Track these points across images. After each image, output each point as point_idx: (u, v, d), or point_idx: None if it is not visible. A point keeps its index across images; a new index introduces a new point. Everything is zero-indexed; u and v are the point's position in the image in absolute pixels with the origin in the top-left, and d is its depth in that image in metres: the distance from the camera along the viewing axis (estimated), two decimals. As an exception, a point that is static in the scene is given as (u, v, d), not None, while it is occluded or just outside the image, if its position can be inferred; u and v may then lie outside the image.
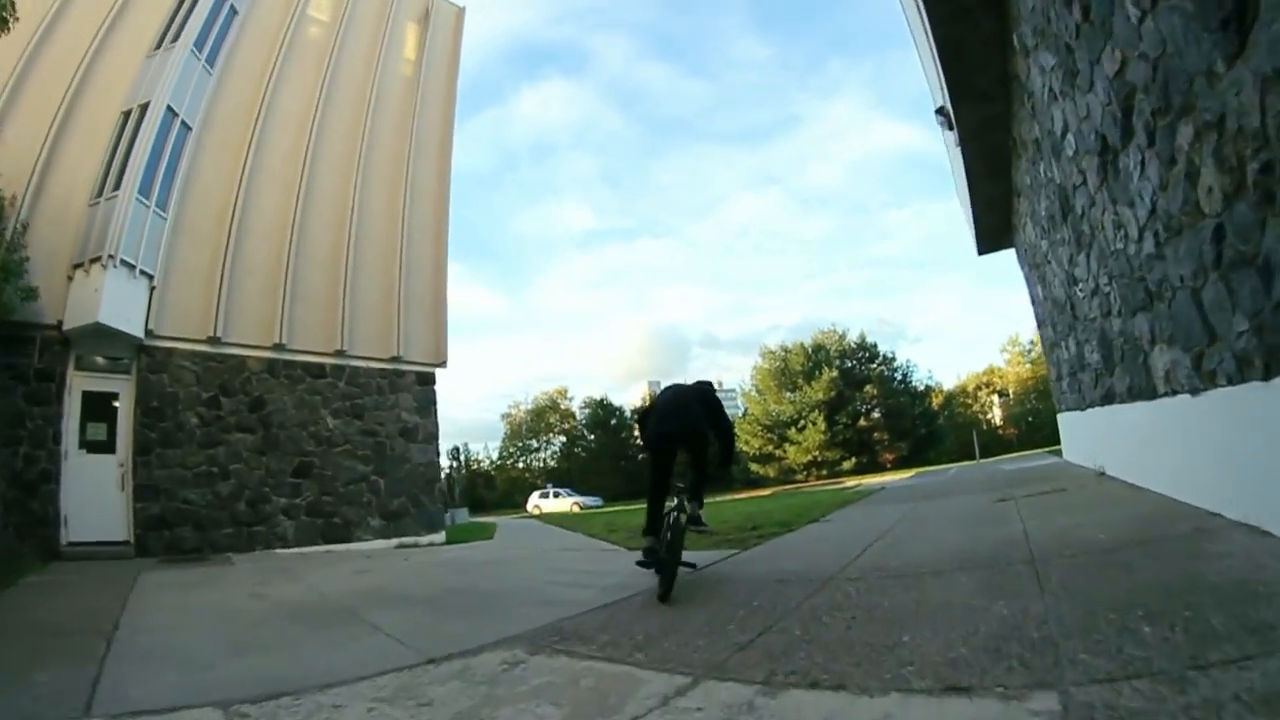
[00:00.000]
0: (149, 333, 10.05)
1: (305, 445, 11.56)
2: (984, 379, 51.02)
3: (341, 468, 11.92)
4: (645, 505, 4.61)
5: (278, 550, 10.48)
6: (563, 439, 56.81)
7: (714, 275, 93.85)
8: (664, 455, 4.64)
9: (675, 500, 4.56)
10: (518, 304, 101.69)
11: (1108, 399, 7.46)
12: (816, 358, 42.77)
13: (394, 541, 11.87)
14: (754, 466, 43.99)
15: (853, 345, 43.66)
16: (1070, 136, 6.02)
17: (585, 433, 55.53)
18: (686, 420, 4.68)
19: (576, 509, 32.67)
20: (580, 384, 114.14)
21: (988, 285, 75.39)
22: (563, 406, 59.60)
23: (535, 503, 36.45)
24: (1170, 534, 3.52)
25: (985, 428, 44.24)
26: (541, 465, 55.16)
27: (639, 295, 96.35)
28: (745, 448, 44.76)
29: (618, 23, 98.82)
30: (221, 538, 10.07)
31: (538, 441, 57.64)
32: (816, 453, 40.12)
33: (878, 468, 40.10)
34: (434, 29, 16.26)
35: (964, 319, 75.84)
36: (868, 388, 40.42)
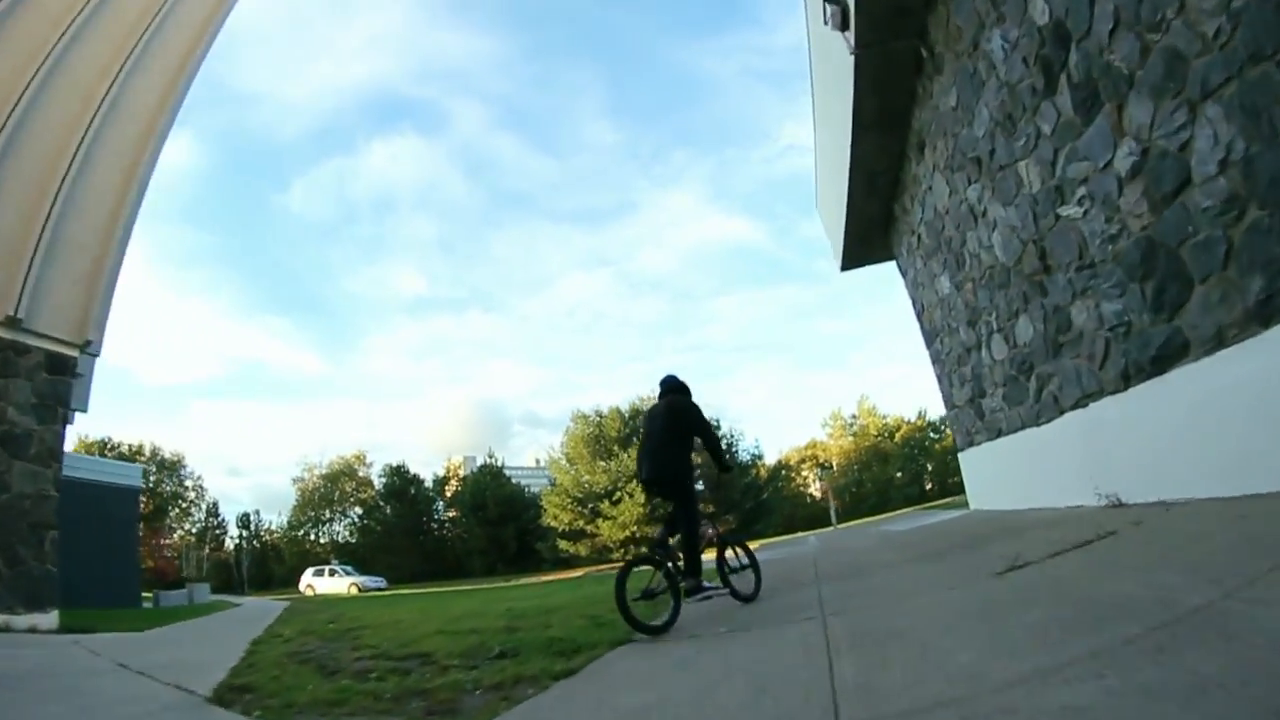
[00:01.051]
0: None
1: None
2: (807, 452, 51.41)
3: None
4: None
5: None
6: (359, 510, 49.77)
7: (540, 353, 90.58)
8: (654, 494, 4.90)
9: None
10: (340, 367, 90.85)
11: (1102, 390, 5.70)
12: (634, 424, 39.57)
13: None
14: (563, 544, 38.77)
15: (673, 410, 41.30)
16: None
17: (380, 503, 48.51)
18: (658, 462, 4.65)
19: (355, 591, 29.09)
20: (392, 453, 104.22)
21: (806, 368, 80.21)
22: (360, 474, 51.96)
23: (309, 581, 31.53)
24: None
25: (809, 501, 44.12)
26: (333, 539, 49.83)
27: (463, 368, 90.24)
28: (553, 523, 39.55)
29: (479, 90, 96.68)
30: None
31: (330, 512, 50.27)
32: (634, 528, 36.13)
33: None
34: None
35: (782, 398, 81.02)
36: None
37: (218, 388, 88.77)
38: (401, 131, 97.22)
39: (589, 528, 37.83)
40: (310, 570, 33.44)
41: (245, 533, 49.04)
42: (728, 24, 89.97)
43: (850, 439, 50.21)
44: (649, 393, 39.89)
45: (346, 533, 50.14)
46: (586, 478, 39.07)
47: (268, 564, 47.81)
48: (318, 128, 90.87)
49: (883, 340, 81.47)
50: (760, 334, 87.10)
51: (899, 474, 49.09)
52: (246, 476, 77.85)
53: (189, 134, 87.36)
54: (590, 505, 37.98)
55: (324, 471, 51.64)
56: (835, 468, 47.66)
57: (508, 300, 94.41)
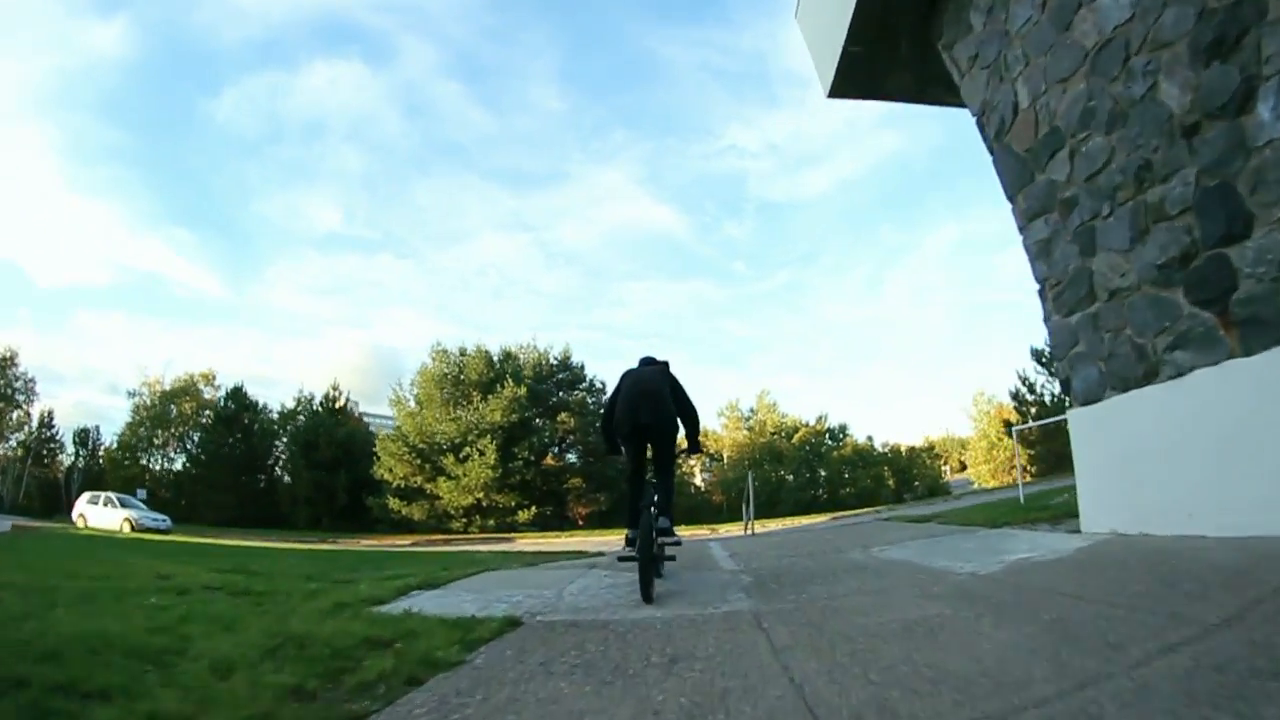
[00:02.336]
0: None
1: None
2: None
3: None
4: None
5: None
6: (199, 435, 42.11)
7: (445, 308, 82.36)
8: (638, 445, 4.73)
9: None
10: (241, 294, 79.85)
11: None
12: (502, 369, 32.57)
13: None
14: (394, 503, 31.20)
15: (552, 362, 34.36)
16: None
17: (209, 431, 40.44)
18: (659, 408, 4.62)
19: (127, 528, 24.08)
20: (282, 390, 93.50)
21: (706, 363, 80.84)
22: (206, 395, 43.09)
23: (82, 510, 26.87)
24: None
25: (692, 491, 39.38)
26: (162, 467, 42.75)
27: (365, 312, 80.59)
28: (387, 475, 31.95)
29: (436, 31, 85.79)
30: None
31: (164, 434, 42.47)
32: (481, 494, 29.23)
33: (565, 523, 30.78)
34: None
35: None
36: (563, 417, 30.99)
37: (107, 298, 78.61)
38: (347, 56, 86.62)
39: (428, 486, 30.53)
40: (85, 496, 27.64)
41: (83, 451, 43.09)
42: (698, 16, 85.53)
43: (745, 433, 45.94)
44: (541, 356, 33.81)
45: (181, 460, 42.75)
46: (433, 426, 31.72)
47: (102, 487, 39.06)
48: (263, 38, 79.64)
49: (788, 348, 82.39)
50: (666, 324, 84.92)
51: (790, 476, 45.69)
52: (125, 396, 66.35)
53: (124, 21, 75.68)
54: (433, 460, 30.68)
55: (165, 388, 43.28)
56: (726, 461, 43.02)
57: (421, 249, 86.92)
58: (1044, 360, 32.19)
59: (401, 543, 24.62)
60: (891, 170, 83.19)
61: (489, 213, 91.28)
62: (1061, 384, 6.21)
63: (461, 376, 32.88)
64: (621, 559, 4.49)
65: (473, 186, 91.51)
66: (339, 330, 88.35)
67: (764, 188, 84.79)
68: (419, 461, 31.00)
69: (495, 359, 33.48)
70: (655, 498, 4.45)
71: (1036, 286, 6.43)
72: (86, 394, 71.98)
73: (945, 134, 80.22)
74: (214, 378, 43.74)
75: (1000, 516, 7.88)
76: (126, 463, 41.03)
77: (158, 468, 42.82)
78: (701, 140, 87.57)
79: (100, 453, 43.49)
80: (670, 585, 4.62)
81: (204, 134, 79.95)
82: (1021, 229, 6.61)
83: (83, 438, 43.19)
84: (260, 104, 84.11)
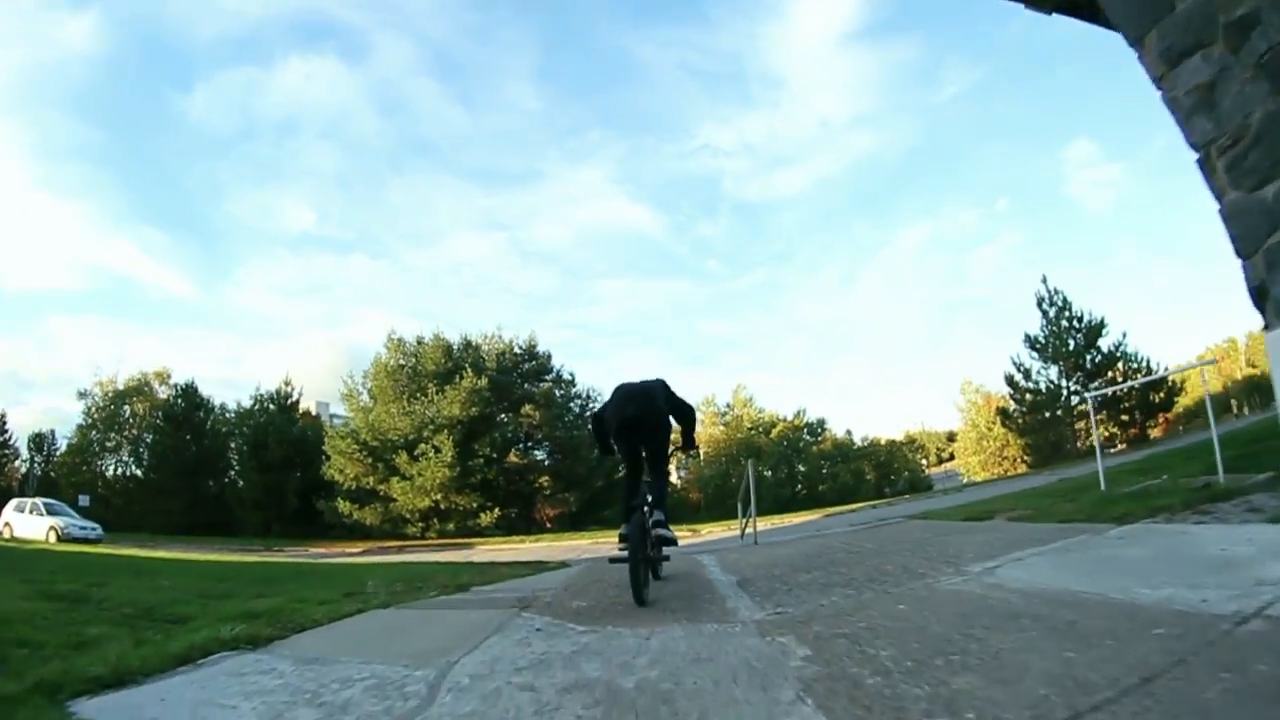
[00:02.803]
0: None
1: None
2: (674, 437, 44.11)
3: None
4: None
5: None
6: (151, 437, 38.18)
7: (418, 307, 79.70)
8: (631, 443, 4.69)
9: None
10: (211, 295, 77.08)
11: None
12: (461, 358, 29.89)
13: None
14: (343, 506, 28.32)
15: (517, 351, 31.68)
16: None
17: (158, 432, 36.91)
18: (647, 404, 4.63)
19: (54, 537, 22.16)
20: (250, 392, 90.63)
21: (677, 363, 79.41)
22: (163, 395, 39.17)
23: (8, 518, 24.59)
24: None
25: (669, 490, 36.93)
26: (115, 472, 39.02)
27: (336, 311, 78.08)
28: (338, 476, 29.08)
29: (413, 28, 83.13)
30: None
31: (118, 437, 38.71)
32: (439, 495, 26.52)
33: (533, 526, 28.23)
34: None
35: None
36: (528, 409, 28.34)
37: (78, 301, 74.51)
38: (322, 53, 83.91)
39: (381, 488, 27.70)
40: (12, 504, 25.06)
41: (38, 456, 39.55)
42: (675, 15, 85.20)
43: (721, 429, 44.21)
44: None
45: (132, 465, 39.21)
46: (387, 421, 28.91)
47: (57, 494, 36.51)
48: (238, 33, 76.86)
49: (763, 345, 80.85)
50: (640, 322, 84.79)
51: (769, 472, 44.52)
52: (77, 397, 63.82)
53: (96, 15, 71.83)
54: (386, 459, 27.89)
55: (119, 388, 39.54)
56: (702, 457, 41.12)
57: (394, 248, 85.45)
58: (1038, 346, 30.57)
59: (352, 550, 22.02)
60: (866, 169, 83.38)
61: (463, 212, 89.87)
62: (1252, 294, 4.02)
63: (418, 368, 30.13)
64: (613, 560, 4.32)
65: (447, 185, 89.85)
66: (312, 331, 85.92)
67: (739, 187, 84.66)
68: (371, 460, 28.17)
69: (455, 348, 30.78)
70: (649, 496, 4.51)
71: (1194, 156, 4.21)
72: (57, 400, 68.67)
73: (919, 134, 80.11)
74: (169, 376, 39.89)
75: (1095, 509, 5.75)
76: (82, 468, 37.65)
77: (112, 473, 39.29)
78: (677, 139, 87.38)
79: (56, 458, 40.03)
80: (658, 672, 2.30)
81: (176, 131, 77.29)
82: (1159, 80, 4.34)
83: (38, 443, 39.57)
84: (234, 101, 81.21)
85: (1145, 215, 72.67)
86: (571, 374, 31.96)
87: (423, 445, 26.55)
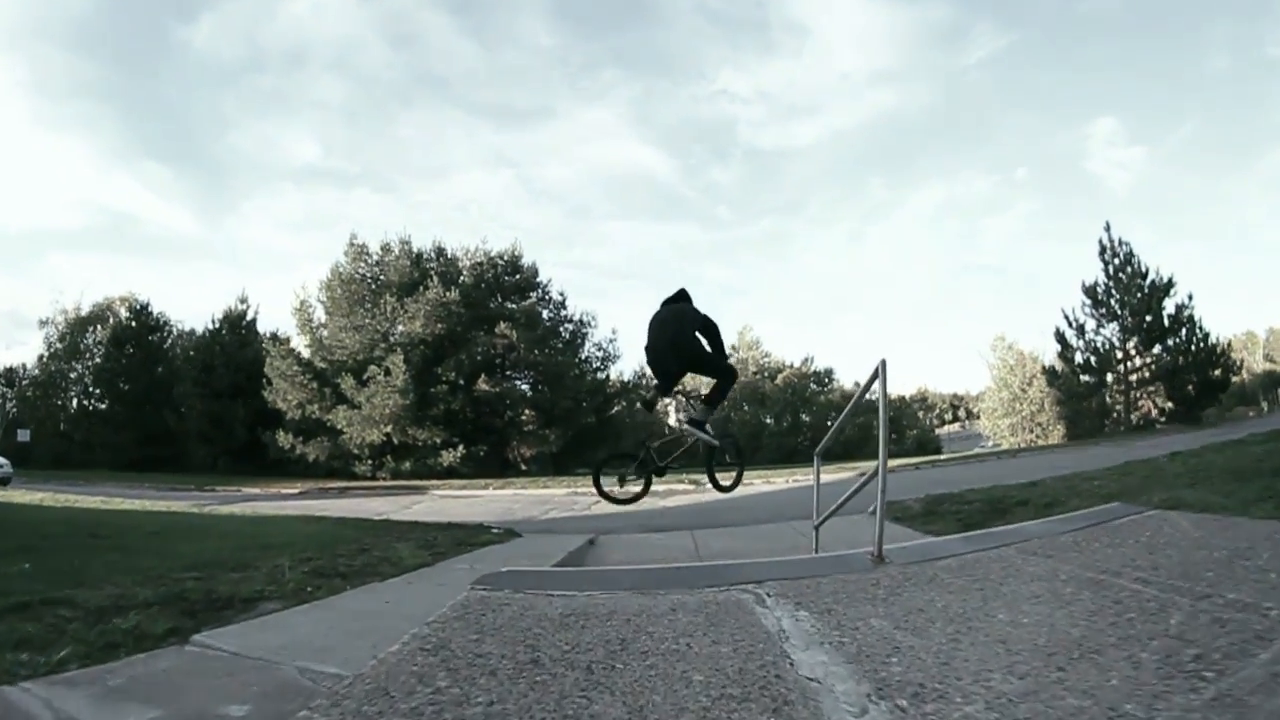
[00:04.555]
0: None
1: None
2: None
3: None
4: None
5: None
6: (97, 364, 34.78)
7: (422, 243, 73.66)
8: (666, 370, 5.23)
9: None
10: (215, 229, 72.88)
11: None
12: (429, 266, 25.21)
13: None
14: (285, 438, 24.18)
15: (500, 261, 26.83)
16: None
17: (107, 359, 32.86)
18: (671, 357, 5.08)
19: None
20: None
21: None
22: (127, 321, 34.36)
23: None
24: None
25: (666, 434, 33.67)
26: (79, 405, 35.63)
27: (341, 247, 72.13)
28: (281, 404, 24.82)
29: None
30: None
31: (80, 367, 35.11)
32: (390, 428, 22.28)
33: (506, 467, 24.28)
34: None
35: None
36: (503, 328, 23.73)
37: (79, 239, 70.75)
38: None
39: (327, 418, 23.44)
40: None
41: (10, 392, 36.97)
42: None
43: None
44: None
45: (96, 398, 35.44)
46: (338, 338, 24.40)
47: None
48: None
49: (767, 294, 78.97)
50: (646, 265, 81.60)
51: (771, 420, 41.83)
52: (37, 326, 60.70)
53: None
54: (332, 383, 23.53)
55: (81, 314, 35.38)
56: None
57: (401, 183, 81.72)
58: (1096, 297, 26.34)
59: (289, 491, 18.21)
60: (883, 126, 79.50)
61: (472, 148, 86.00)
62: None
63: (379, 278, 25.46)
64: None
65: (456, 121, 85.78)
66: (313, 265, 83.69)
67: (754, 135, 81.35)
68: (316, 385, 23.78)
69: (423, 254, 26.08)
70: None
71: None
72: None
73: (941, 95, 75.25)
74: (136, 301, 34.99)
75: None
76: (42, 403, 34.32)
77: (76, 406, 35.82)
78: (693, 83, 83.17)
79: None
80: None
81: (180, 62, 72.11)
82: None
83: (9, 377, 36.05)
84: (240, 30, 75.47)
85: (1161, 203, 68.69)
86: (563, 294, 27.37)
87: (374, 367, 22.15)
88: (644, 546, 7.53)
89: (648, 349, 5.13)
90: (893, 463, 19.61)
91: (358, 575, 5.25)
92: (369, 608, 3.98)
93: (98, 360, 34.25)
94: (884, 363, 3.21)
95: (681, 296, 5.32)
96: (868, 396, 3.62)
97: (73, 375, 35.62)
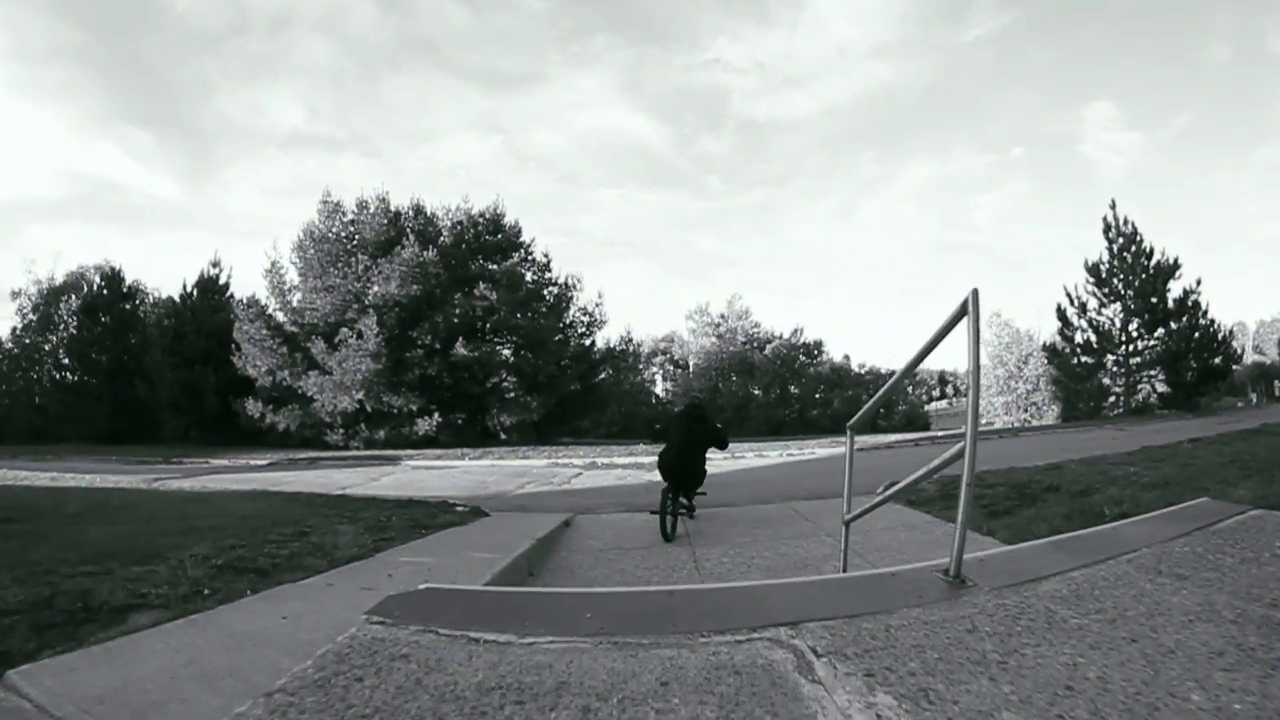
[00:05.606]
0: None
1: None
2: (661, 345, 41.47)
3: None
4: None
5: None
6: (68, 333, 32.55)
7: (401, 202, 72.06)
8: (677, 481, 6.56)
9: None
10: (199, 196, 71.17)
11: None
12: (406, 225, 23.86)
13: None
14: (254, 406, 23.04)
15: (481, 219, 25.44)
16: None
17: (79, 328, 31.00)
18: (688, 469, 6.60)
19: None
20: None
21: (668, 275, 79.16)
22: (99, 289, 32.47)
23: None
24: None
25: (653, 401, 33.45)
26: (51, 377, 33.28)
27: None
28: (250, 370, 23.58)
29: None
30: None
31: (53, 339, 32.71)
32: (362, 395, 21.17)
33: (486, 437, 23.31)
34: None
35: (642, 300, 78.91)
36: (482, 289, 22.49)
37: (58, 209, 68.28)
38: None
39: (298, 385, 22.26)
40: None
41: None
42: None
43: (715, 340, 40.17)
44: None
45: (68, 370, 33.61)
46: (309, 298, 23.09)
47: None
48: None
49: (755, 265, 78.71)
50: (634, 232, 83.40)
51: (759, 391, 41.65)
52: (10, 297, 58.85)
53: None
54: (302, 347, 22.30)
55: (55, 284, 33.45)
56: (692, 370, 36.76)
57: (388, 148, 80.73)
58: (1100, 276, 25.50)
59: (258, 461, 17.16)
60: (878, 101, 78.92)
61: (459, 112, 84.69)
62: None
63: (355, 238, 24.06)
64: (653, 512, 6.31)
65: (445, 85, 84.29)
66: (294, 231, 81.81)
67: (747, 105, 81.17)
68: (286, 350, 22.53)
69: (406, 211, 24.66)
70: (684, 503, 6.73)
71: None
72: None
73: (938, 72, 74.36)
74: (109, 268, 33.09)
75: None
76: (15, 376, 32.38)
77: (51, 379, 33.65)
78: (686, 51, 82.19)
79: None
80: None
81: (162, 26, 69.08)
82: None
83: None
84: None
85: (1155, 190, 68.10)
86: (547, 255, 26.07)
87: (345, 330, 20.96)
88: (627, 530, 6.61)
89: (666, 469, 6.56)
90: (889, 438, 18.86)
91: (276, 571, 4.34)
92: (257, 626, 3.01)
93: (71, 331, 32.66)
94: (975, 293, 2.26)
95: (698, 415, 7.06)
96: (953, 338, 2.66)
97: (46, 347, 33.63)
